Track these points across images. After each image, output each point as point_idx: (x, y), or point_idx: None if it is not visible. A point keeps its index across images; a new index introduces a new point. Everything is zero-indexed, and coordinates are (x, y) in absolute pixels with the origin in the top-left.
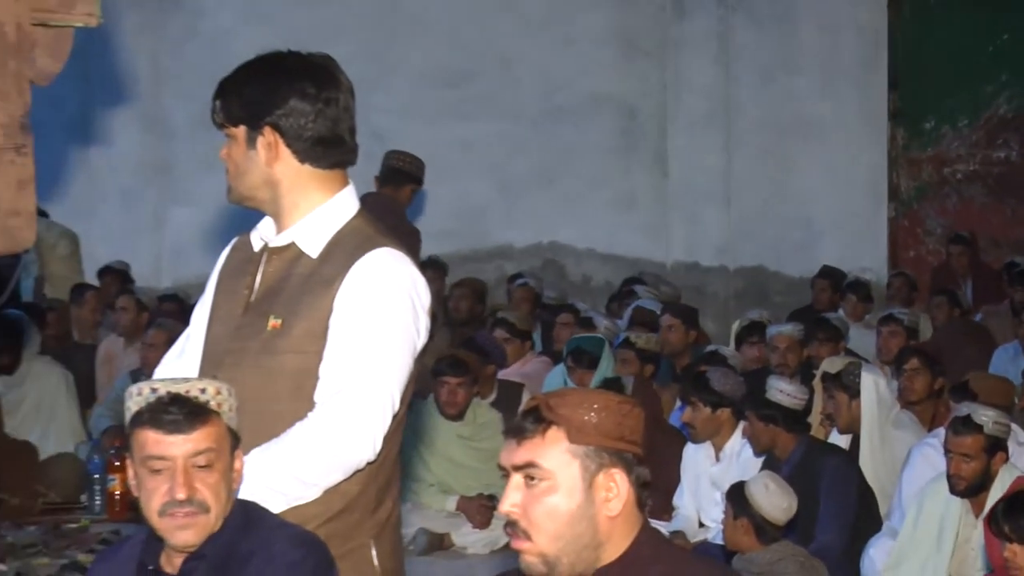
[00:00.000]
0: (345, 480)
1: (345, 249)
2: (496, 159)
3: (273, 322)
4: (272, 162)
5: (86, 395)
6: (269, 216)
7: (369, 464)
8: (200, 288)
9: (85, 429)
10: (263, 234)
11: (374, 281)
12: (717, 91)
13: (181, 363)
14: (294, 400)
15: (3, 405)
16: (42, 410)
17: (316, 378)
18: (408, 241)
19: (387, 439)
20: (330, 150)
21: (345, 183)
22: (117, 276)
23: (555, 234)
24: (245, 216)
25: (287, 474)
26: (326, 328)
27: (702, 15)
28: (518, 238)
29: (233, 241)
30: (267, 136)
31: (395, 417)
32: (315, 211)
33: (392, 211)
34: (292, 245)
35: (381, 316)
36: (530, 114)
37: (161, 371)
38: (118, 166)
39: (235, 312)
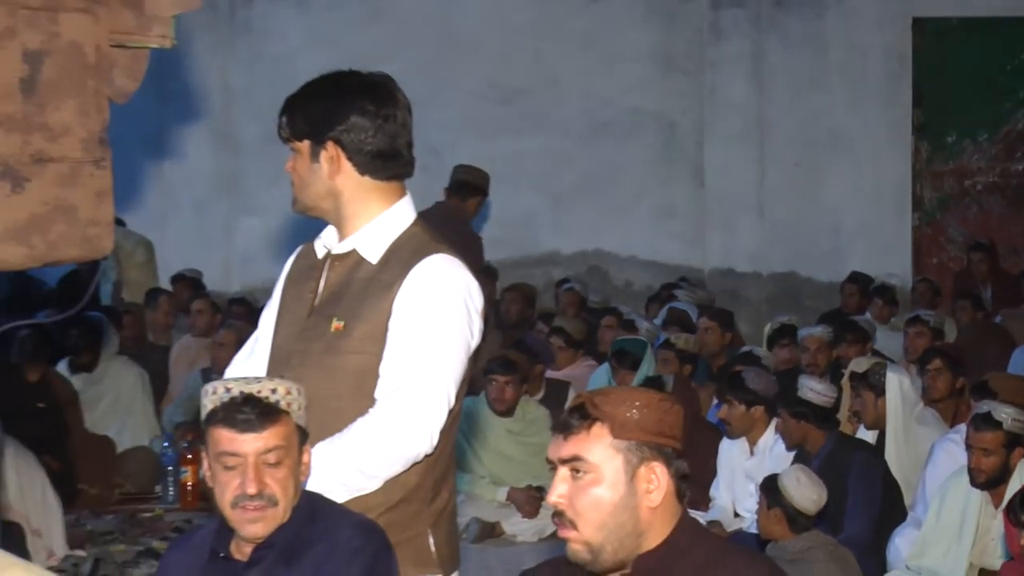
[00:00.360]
0: (404, 472)
1: (403, 255)
2: (544, 172)
3: (336, 324)
4: (334, 174)
5: (159, 392)
6: (332, 225)
7: (426, 457)
8: (267, 292)
9: (159, 424)
10: (326, 242)
11: (430, 285)
12: (751, 108)
13: (250, 364)
14: (356, 397)
15: (83, 401)
16: (119, 406)
17: (376, 376)
18: (472, 247)
19: (443, 434)
20: (388, 163)
21: (403, 194)
22: (189, 283)
23: (599, 242)
24: (309, 225)
25: (350, 466)
26: (385, 330)
27: (737, 36)
28: (565, 245)
29: (298, 249)
30: (330, 150)
31: (450, 413)
32: (375, 220)
33: (456, 219)
34: (353, 252)
35: (437, 318)
36: (576, 129)
37: (231, 371)
38: (190, 179)
39: (300, 315)
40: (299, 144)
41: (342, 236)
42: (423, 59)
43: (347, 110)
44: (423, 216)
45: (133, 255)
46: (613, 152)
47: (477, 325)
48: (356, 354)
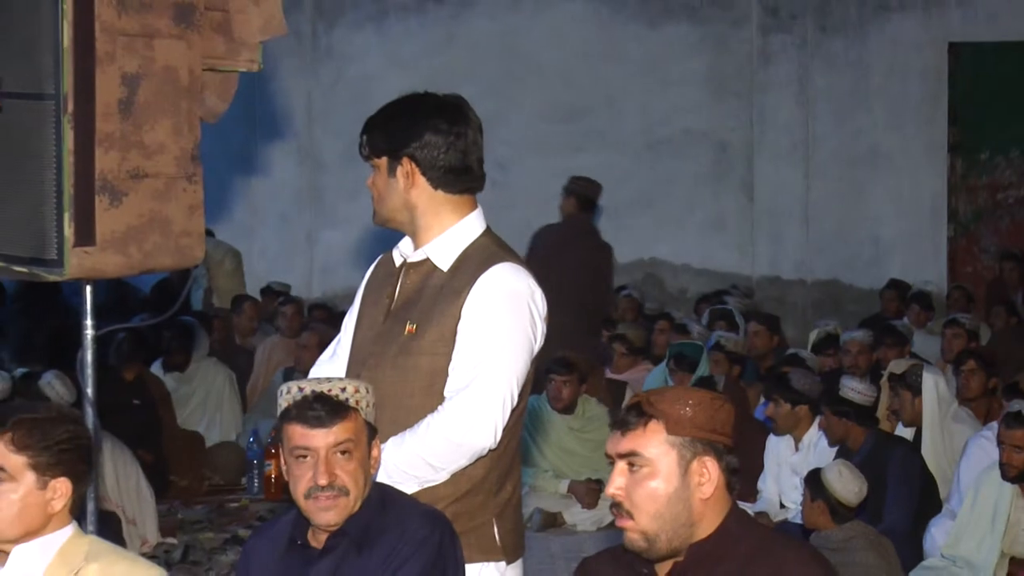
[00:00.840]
0: (471, 465)
1: (472, 263)
2: (603, 185)
3: (409, 327)
4: (409, 188)
5: (244, 392)
6: (408, 236)
7: (491, 451)
8: (347, 299)
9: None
10: (403, 251)
11: (496, 291)
12: (798, 127)
13: (332, 365)
14: (426, 395)
15: (175, 399)
16: (209, 404)
17: (446, 376)
18: (608, 254)
19: (508, 430)
20: (460, 178)
21: (474, 207)
22: (275, 295)
23: (655, 251)
24: (386, 237)
25: (419, 460)
26: (455, 333)
27: (784, 61)
28: (623, 254)
29: (378, 258)
30: (405, 166)
31: (515, 410)
32: (447, 231)
33: (589, 232)
34: (427, 260)
35: (502, 322)
36: (633, 147)
37: (315, 371)
38: (276, 193)
39: (378, 319)
40: (378, 161)
41: (417, 246)
42: (492, 81)
43: (421, 128)
44: (555, 230)
45: (222, 264)
46: (668, 168)
47: (540, 329)
48: (427, 355)
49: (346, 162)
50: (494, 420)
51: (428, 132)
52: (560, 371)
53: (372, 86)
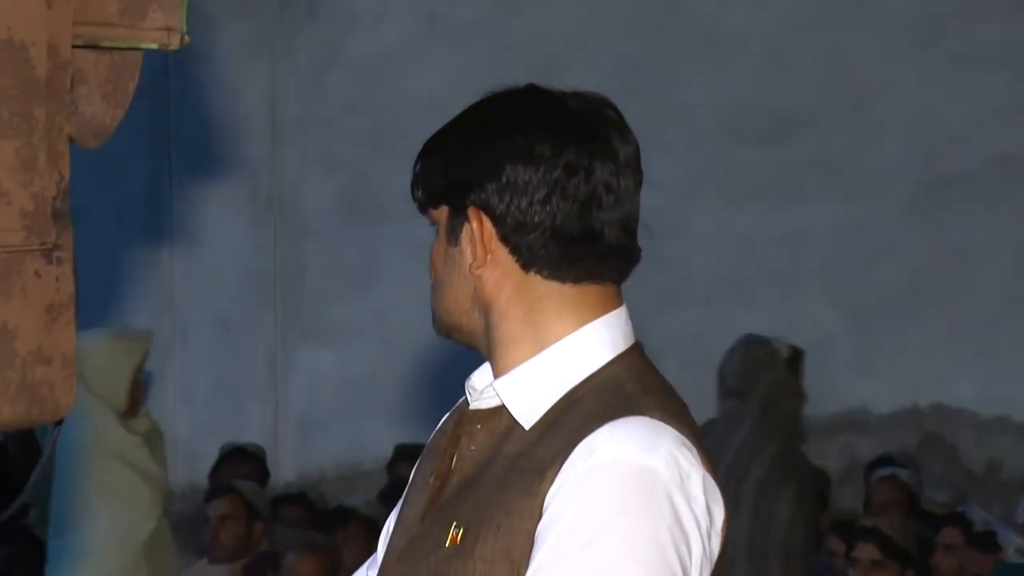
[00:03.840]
0: None
1: (578, 417)
2: (843, 265)
3: (453, 534)
4: (480, 266)
5: None
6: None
7: None
8: (343, 483)
9: None
10: (473, 388)
11: (608, 472)
12: None
13: None
14: None
15: None
16: None
17: None
18: None
19: None
20: (573, 251)
21: (609, 307)
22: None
23: (941, 391)
24: (432, 360)
25: None
26: (529, 547)
27: None
28: (879, 396)
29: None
30: (473, 222)
31: None
32: (543, 353)
33: None
34: (503, 409)
35: (614, 531)
36: (900, 189)
37: None
38: (214, 278)
39: (415, 516)
40: (435, 212)
41: (494, 377)
42: (624, 69)
43: (503, 155)
44: None
45: None
46: (966, 228)
47: (699, 544)
48: None
49: (344, 220)
50: None
51: (514, 162)
52: None
53: (396, 75)
